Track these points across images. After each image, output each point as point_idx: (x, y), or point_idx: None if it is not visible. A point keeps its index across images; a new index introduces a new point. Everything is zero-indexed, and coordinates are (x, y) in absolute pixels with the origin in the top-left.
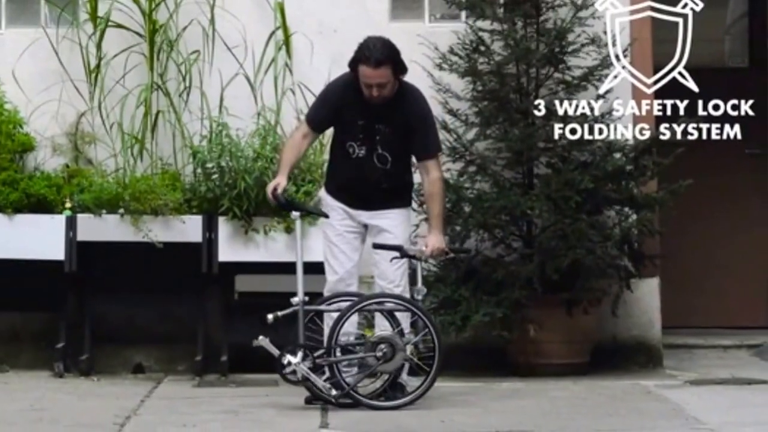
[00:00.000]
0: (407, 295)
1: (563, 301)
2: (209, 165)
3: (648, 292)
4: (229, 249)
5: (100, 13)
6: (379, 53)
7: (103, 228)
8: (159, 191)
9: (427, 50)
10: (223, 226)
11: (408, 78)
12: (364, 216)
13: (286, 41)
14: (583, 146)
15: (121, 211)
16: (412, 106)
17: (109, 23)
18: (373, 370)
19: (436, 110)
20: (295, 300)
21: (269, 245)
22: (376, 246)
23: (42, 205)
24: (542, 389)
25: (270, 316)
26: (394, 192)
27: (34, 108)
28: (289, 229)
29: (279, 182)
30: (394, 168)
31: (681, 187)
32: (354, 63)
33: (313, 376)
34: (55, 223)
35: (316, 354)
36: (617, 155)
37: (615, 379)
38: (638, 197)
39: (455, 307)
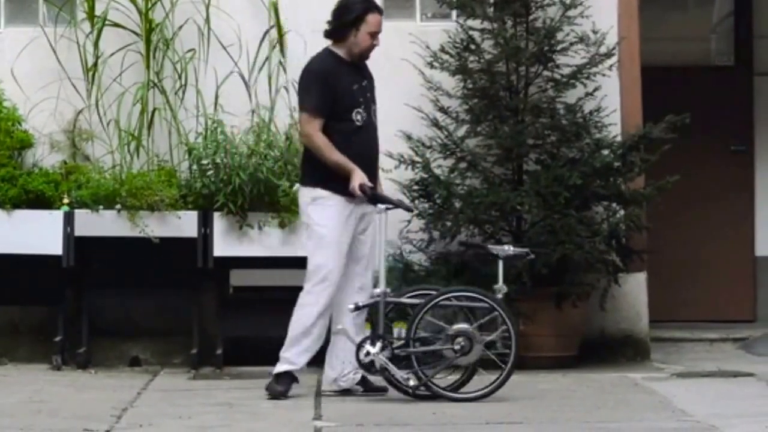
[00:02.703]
0: None
1: (552, 295)
2: (204, 161)
3: (635, 287)
4: (224, 244)
5: (97, 12)
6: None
7: (101, 223)
8: (155, 187)
9: (419, 48)
10: (218, 221)
11: (400, 75)
12: (369, 207)
13: (280, 40)
14: (572, 143)
15: (118, 206)
16: None
17: (106, 22)
18: (450, 363)
19: (428, 107)
20: (377, 291)
21: (263, 240)
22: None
23: (40, 201)
24: (532, 381)
25: (351, 306)
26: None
27: (32, 105)
28: (282, 225)
29: (364, 178)
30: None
31: (668, 183)
32: (363, 13)
33: (391, 366)
34: (53, 218)
35: (395, 345)
36: (605, 152)
37: (603, 372)
38: (626, 193)
39: None
